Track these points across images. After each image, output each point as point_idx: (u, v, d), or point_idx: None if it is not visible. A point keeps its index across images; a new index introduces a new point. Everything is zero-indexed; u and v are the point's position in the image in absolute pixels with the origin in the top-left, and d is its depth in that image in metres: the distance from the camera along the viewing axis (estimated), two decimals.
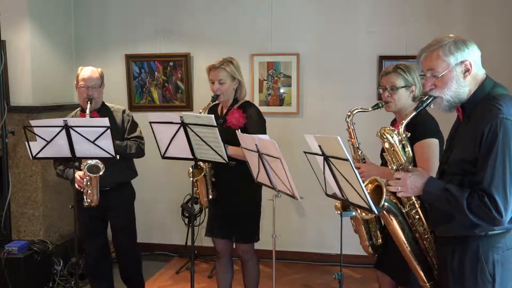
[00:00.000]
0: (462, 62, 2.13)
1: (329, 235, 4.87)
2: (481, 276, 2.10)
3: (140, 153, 3.70)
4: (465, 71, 2.13)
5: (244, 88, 3.55)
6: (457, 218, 2.13)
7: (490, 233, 2.10)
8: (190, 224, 4.67)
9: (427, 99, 2.22)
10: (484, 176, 2.01)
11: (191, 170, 3.31)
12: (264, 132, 3.37)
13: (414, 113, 2.28)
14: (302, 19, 4.97)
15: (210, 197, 3.48)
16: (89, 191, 3.43)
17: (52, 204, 4.79)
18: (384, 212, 2.41)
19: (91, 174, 3.37)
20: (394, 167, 2.33)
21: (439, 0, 4.75)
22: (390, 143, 2.31)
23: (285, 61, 5.01)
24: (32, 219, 4.69)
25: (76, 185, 3.45)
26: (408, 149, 2.33)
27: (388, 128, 2.35)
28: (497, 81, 2.20)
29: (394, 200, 2.44)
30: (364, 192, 2.24)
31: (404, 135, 2.33)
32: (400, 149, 2.31)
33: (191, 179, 3.40)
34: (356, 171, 2.23)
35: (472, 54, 2.15)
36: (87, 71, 3.61)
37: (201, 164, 3.37)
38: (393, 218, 2.44)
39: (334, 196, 2.56)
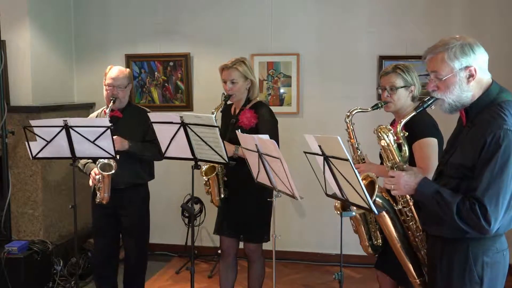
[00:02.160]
0: (466, 67, 2.09)
1: (329, 235, 4.87)
2: (468, 277, 2.10)
3: (157, 154, 3.48)
4: (469, 76, 2.09)
5: (257, 88, 3.54)
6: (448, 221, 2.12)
7: (481, 236, 2.08)
8: (190, 224, 4.67)
9: (429, 100, 2.20)
10: (479, 184, 1.99)
11: (204, 169, 3.34)
12: (275, 132, 3.38)
13: (413, 113, 2.28)
14: (302, 19, 4.97)
15: (222, 196, 3.48)
16: (101, 188, 3.46)
17: (52, 204, 4.79)
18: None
19: (103, 172, 3.38)
20: (389, 165, 2.33)
21: (439, 0, 4.75)
22: (385, 141, 2.31)
23: (285, 61, 5.01)
24: (32, 219, 4.69)
25: (90, 182, 3.53)
26: (405, 148, 2.33)
27: (385, 127, 2.34)
28: (502, 86, 2.16)
29: (387, 197, 2.45)
30: (364, 192, 2.24)
31: (401, 134, 2.32)
32: (395, 149, 2.31)
33: (204, 177, 3.41)
34: (356, 171, 2.23)
35: (478, 59, 2.10)
36: (114, 70, 3.66)
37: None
38: (385, 214, 2.46)
39: (334, 196, 2.57)
